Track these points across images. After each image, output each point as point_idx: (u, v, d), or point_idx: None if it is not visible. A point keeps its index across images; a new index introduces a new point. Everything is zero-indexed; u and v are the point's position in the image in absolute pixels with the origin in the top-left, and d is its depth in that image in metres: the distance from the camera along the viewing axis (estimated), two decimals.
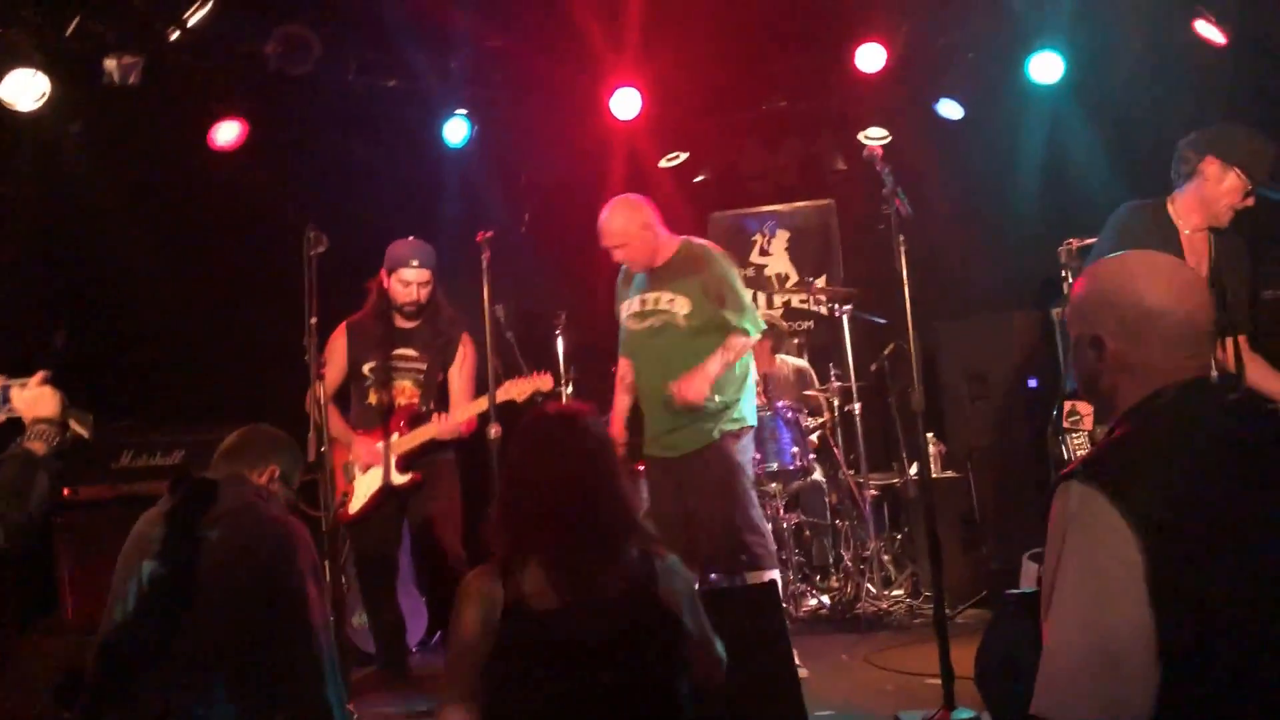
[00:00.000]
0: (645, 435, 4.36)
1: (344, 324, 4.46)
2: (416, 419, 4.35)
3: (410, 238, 4.45)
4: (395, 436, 4.31)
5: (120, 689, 2.49)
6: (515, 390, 4.26)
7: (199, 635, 2.48)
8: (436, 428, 4.28)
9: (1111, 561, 1.48)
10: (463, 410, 4.31)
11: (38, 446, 2.26)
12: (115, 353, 5.41)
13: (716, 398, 4.18)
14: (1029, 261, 5.86)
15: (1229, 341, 3.55)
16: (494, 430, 3.71)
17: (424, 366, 4.41)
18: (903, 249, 3.41)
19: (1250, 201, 3.50)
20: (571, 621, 1.94)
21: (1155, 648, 1.45)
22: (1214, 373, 3.46)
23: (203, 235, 5.66)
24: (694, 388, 4.07)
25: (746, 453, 4.33)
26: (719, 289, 4.25)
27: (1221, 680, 1.45)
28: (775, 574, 4.19)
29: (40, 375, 2.40)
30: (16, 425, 2.35)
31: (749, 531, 4.15)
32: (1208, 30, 4.96)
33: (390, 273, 4.37)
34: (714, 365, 4.16)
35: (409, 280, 4.33)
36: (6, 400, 2.36)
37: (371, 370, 4.38)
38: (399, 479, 4.30)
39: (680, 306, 4.25)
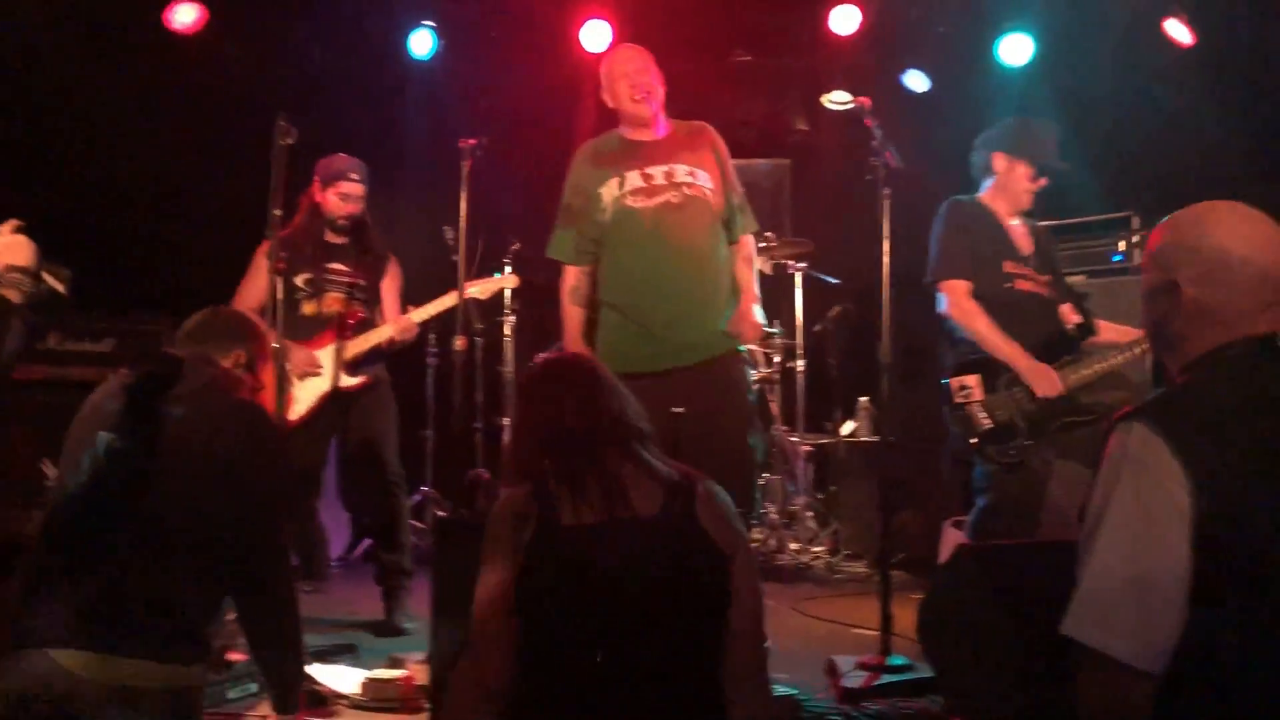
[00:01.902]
0: (626, 346, 3.55)
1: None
2: (363, 324, 4.28)
3: (340, 154, 4.37)
4: (340, 343, 4.22)
5: (68, 560, 2.39)
6: (479, 288, 4.25)
7: (156, 514, 2.39)
8: (391, 329, 4.22)
9: (1161, 503, 1.54)
10: (420, 311, 4.24)
11: (11, 294, 2.14)
12: (48, 232, 5.17)
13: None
14: None
15: (1062, 309, 3.83)
16: (459, 342, 3.62)
17: (362, 282, 4.34)
18: (887, 202, 3.43)
19: (1044, 181, 3.81)
20: (604, 537, 1.89)
21: (1188, 591, 1.52)
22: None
23: (151, 122, 5.43)
24: (756, 322, 3.51)
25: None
26: (731, 173, 3.68)
27: (1251, 628, 1.51)
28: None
29: (12, 223, 2.27)
30: None
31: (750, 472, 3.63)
32: (1177, 30, 5.08)
33: (326, 186, 4.30)
34: (756, 287, 3.61)
35: (348, 193, 4.28)
36: None
37: (306, 283, 4.29)
38: (349, 381, 4.21)
39: (705, 181, 3.58)
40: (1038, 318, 3.74)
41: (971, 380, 3.68)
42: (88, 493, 2.43)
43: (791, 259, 5.80)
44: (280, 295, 3.92)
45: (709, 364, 3.49)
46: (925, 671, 3.12)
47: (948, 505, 5.18)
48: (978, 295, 3.72)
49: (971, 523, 3.71)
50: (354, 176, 4.28)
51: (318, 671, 3.12)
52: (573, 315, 3.73)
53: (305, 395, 4.22)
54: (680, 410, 3.23)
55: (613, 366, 3.20)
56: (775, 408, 5.87)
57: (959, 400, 3.68)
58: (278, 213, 3.58)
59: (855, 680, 3.12)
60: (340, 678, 3.13)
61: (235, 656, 3.04)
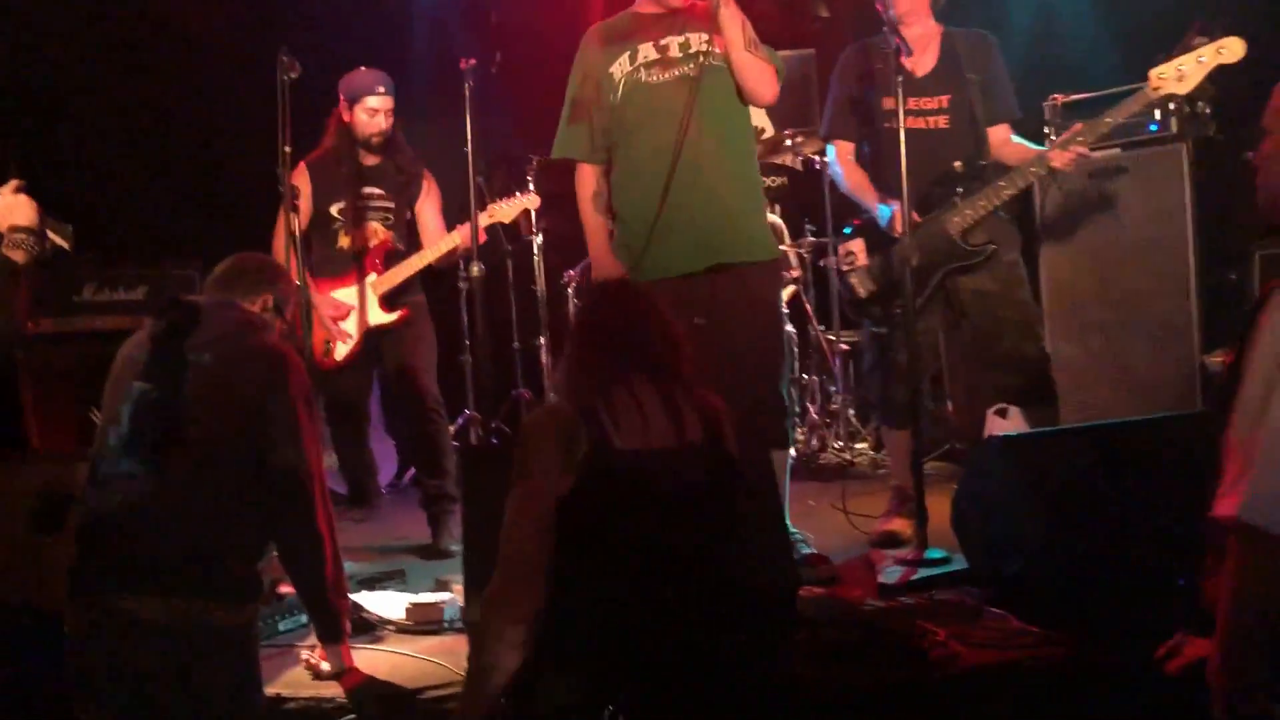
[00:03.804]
0: (641, 246, 3.22)
1: (303, 163, 4.22)
2: (392, 256, 4.23)
3: (361, 67, 4.22)
4: (373, 276, 4.20)
5: (114, 510, 2.45)
6: (501, 212, 4.20)
7: (193, 459, 2.44)
8: (429, 256, 4.16)
9: None
10: (449, 239, 4.16)
11: (18, 255, 2.17)
12: (72, 184, 5.21)
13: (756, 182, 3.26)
14: None
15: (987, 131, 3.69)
16: (476, 268, 3.59)
17: (392, 205, 4.26)
18: (900, 89, 3.32)
19: None
20: (659, 462, 1.89)
21: None
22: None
23: (163, 62, 5.40)
24: None
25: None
26: (750, 32, 3.17)
27: None
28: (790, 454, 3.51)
29: (14, 184, 2.28)
30: None
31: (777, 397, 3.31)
32: None
33: (353, 104, 4.16)
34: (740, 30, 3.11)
35: (376, 108, 4.15)
36: None
37: (340, 211, 4.21)
38: (385, 317, 4.18)
39: (721, 48, 3.16)
40: (915, 156, 3.33)
41: (856, 246, 3.72)
42: (129, 442, 2.48)
43: (821, 154, 5.68)
44: (306, 229, 3.90)
45: (736, 271, 3.18)
46: (962, 564, 3.13)
47: (992, 394, 5.13)
48: (864, 140, 3.73)
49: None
50: (380, 90, 4.14)
51: (364, 599, 3.20)
52: (597, 226, 3.39)
53: (351, 332, 4.23)
54: (701, 321, 3.09)
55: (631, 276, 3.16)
56: (810, 307, 5.83)
57: (844, 268, 3.74)
58: (287, 149, 3.55)
59: (892, 576, 3.13)
60: (387, 603, 3.20)
61: (286, 589, 3.11)
